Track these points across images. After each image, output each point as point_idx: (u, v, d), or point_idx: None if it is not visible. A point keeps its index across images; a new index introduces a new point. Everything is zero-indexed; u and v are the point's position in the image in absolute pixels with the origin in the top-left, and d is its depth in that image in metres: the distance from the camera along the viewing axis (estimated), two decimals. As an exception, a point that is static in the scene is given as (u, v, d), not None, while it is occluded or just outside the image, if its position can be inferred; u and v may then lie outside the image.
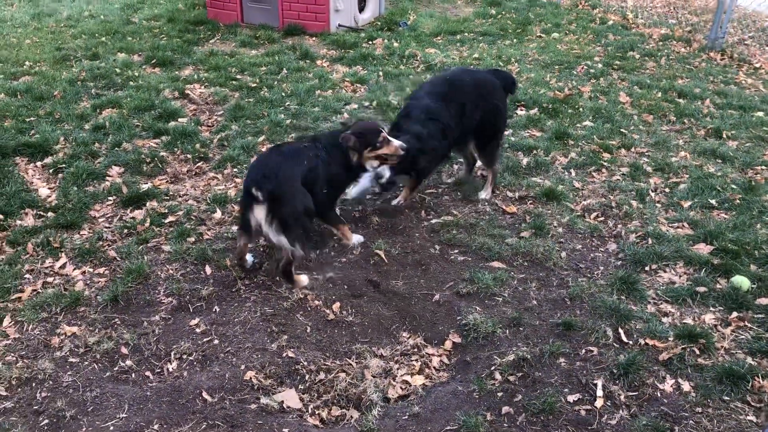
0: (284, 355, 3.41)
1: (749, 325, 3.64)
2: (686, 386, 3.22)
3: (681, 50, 8.60)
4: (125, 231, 4.40)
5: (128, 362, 3.34)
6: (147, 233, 4.37)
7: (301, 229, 3.69)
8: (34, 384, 3.19)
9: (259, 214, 3.63)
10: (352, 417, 3.09)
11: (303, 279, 3.93)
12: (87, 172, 5.02)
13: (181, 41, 8.29)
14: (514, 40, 8.80)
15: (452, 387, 3.25)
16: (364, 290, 3.91)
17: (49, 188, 4.87)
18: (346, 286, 3.93)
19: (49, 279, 3.94)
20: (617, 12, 10.37)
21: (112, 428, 2.96)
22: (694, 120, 6.33)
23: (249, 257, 4.03)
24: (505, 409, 3.09)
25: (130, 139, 5.63)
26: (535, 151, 5.57)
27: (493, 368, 3.34)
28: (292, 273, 3.85)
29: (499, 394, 3.18)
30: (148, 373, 3.30)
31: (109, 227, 4.46)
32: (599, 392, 3.18)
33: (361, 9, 9.24)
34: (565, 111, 6.41)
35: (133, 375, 3.28)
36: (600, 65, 7.79)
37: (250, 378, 3.26)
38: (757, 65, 8.07)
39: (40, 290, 3.83)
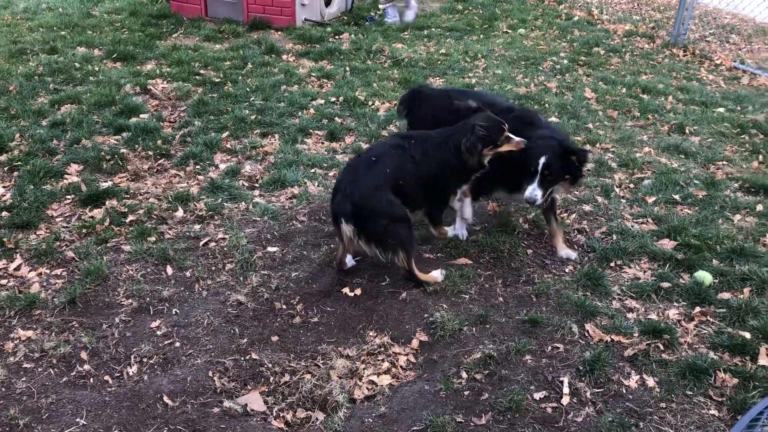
0: (248, 357, 3.35)
1: (711, 319, 3.68)
2: (651, 382, 3.24)
3: (645, 46, 8.70)
4: (84, 231, 4.27)
5: (86, 367, 3.24)
6: (106, 233, 4.25)
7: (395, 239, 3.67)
8: (-14, 391, 3.08)
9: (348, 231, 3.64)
10: (317, 419, 3.04)
11: (435, 275, 3.90)
12: (44, 170, 4.86)
13: (144, 35, 8.10)
14: (481, 36, 8.81)
15: (419, 386, 3.22)
16: (331, 289, 3.86)
17: (3, 187, 4.71)
18: (314, 285, 3.87)
19: (3, 281, 3.80)
20: (582, 8, 10.45)
21: (68, 436, 2.87)
22: (658, 116, 6.40)
23: (348, 258, 4.03)
24: (471, 407, 3.07)
25: (90, 135, 5.48)
26: (501, 147, 5.56)
27: (459, 366, 3.31)
28: (415, 275, 3.83)
29: (466, 393, 3.16)
30: (107, 378, 3.20)
31: (66, 227, 4.33)
32: (565, 389, 3.18)
33: (328, 3, 9.15)
34: (532, 107, 6.42)
35: (92, 380, 3.19)
36: (566, 61, 7.84)
37: (213, 381, 3.19)
38: (718, 62, 8.19)
39: (-7, 293, 3.70)
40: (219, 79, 6.78)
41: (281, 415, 3.06)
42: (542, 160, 3.77)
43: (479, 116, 3.88)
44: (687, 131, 6.06)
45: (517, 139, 3.83)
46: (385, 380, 3.27)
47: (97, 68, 6.95)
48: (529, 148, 3.82)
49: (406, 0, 9.33)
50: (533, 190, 3.82)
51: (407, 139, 3.92)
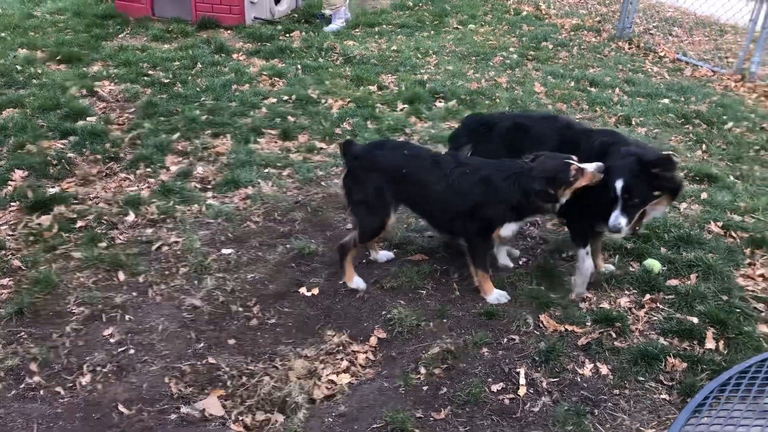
0: (205, 361, 3.31)
1: (661, 306, 3.78)
2: (604, 369, 3.32)
3: (592, 40, 8.88)
4: (31, 238, 4.15)
5: (36, 378, 3.15)
6: (55, 240, 4.14)
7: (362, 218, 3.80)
8: (-69, 408, 2.97)
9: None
10: (277, 421, 3.02)
11: (357, 283, 3.86)
12: (-14, 177, 4.72)
13: (89, 36, 7.89)
14: (432, 32, 8.86)
15: (378, 384, 3.24)
16: (287, 290, 3.84)
17: (-56, 196, 4.55)
18: (271, 286, 3.85)
19: (-54, 294, 3.68)
20: (531, 3, 10.60)
21: (20, 450, 2.80)
22: (606, 108, 6.54)
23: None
24: (430, 402, 3.10)
25: (35, 140, 5.31)
26: (454, 143, 5.60)
27: (418, 362, 3.34)
28: (347, 264, 3.85)
29: (425, 388, 3.19)
30: (58, 389, 3.12)
31: (12, 235, 4.20)
32: (522, 380, 3.23)
33: (277, 1, 9.07)
34: (483, 102, 6.49)
35: (42, 392, 3.10)
36: (515, 56, 7.94)
37: (170, 387, 3.15)
38: (662, 54, 8.42)
39: (-65, 306, 3.57)
40: (168, 80, 6.67)
41: (240, 418, 3.03)
42: (619, 183, 3.34)
43: (541, 159, 3.52)
44: (633, 122, 6.22)
45: (590, 168, 3.39)
46: (345, 379, 3.27)
47: (40, 71, 6.75)
48: (606, 173, 3.40)
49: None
50: (616, 218, 3.37)
51: (460, 166, 3.63)
